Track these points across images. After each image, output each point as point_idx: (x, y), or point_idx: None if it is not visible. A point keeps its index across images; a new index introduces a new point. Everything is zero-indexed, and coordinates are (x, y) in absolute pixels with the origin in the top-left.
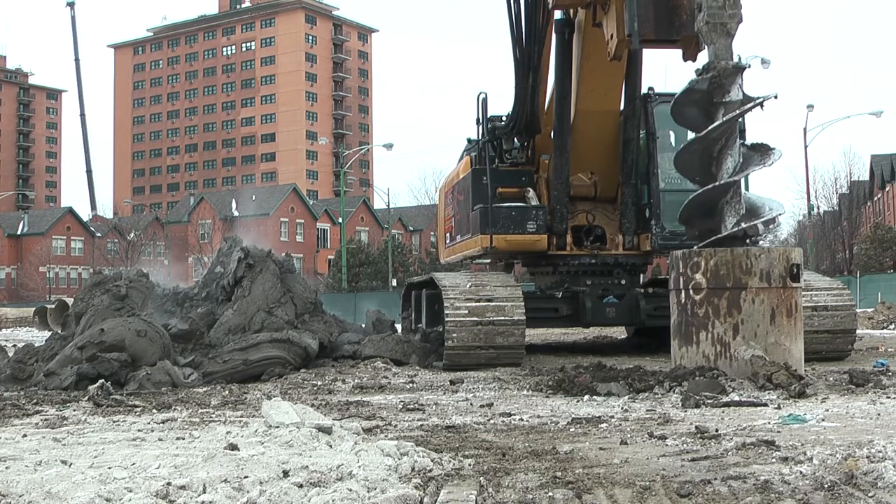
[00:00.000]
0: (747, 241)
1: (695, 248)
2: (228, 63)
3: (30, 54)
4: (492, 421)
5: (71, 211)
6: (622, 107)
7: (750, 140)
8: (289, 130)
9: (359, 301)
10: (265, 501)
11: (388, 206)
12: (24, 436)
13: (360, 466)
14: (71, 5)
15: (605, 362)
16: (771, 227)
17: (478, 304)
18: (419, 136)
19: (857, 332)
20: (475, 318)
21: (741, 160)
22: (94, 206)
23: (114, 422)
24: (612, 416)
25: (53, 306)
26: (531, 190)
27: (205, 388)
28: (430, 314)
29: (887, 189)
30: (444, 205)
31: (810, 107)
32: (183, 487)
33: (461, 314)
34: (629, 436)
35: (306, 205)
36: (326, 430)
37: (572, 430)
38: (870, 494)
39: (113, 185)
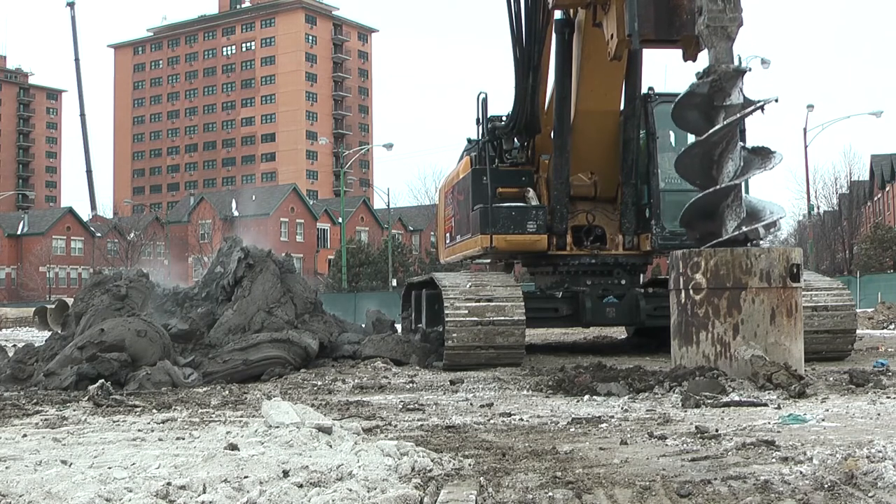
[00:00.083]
0: (748, 244)
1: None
2: (228, 63)
3: (30, 54)
4: (492, 421)
5: (71, 211)
6: (622, 107)
7: (750, 141)
8: (289, 130)
9: (359, 301)
10: (265, 501)
11: (388, 206)
12: (24, 436)
13: (360, 466)
14: (71, 5)
15: (605, 362)
16: (772, 230)
17: (478, 304)
18: (419, 136)
19: (857, 332)
20: (475, 318)
21: (742, 164)
22: (94, 206)
23: (114, 422)
24: (612, 416)
25: (53, 306)
26: (531, 190)
27: (205, 388)
28: (430, 314)
29: (887, 189)
30: (444, 205)
31: (810, 107)
32: (183, 487)
33: (461, 314)
34: (629, 436)
35: (306, 205)
36: (326, 430)
37: (572, 430)
38: (870, 494)
39: (113, 185)
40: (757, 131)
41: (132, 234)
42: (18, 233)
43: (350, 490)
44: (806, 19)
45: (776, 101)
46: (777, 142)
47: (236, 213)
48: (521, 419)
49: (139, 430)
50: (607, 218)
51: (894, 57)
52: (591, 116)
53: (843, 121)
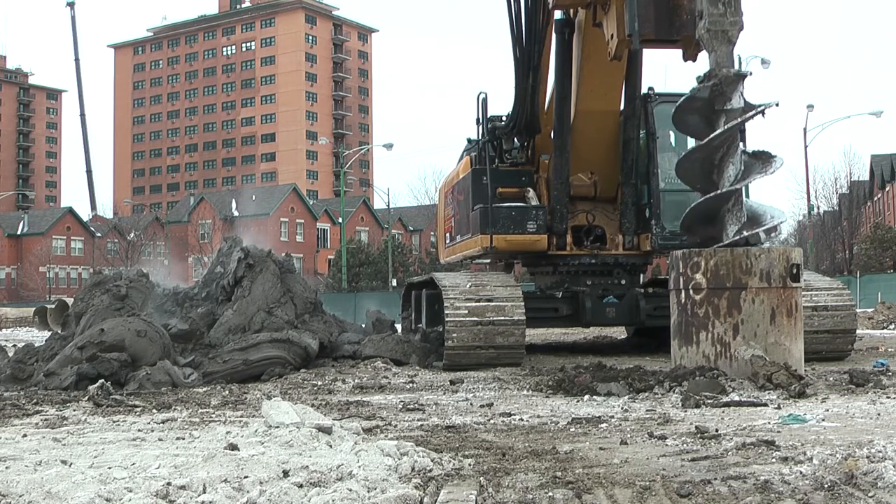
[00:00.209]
0: None
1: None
2: (228, 63)
3: (30, 54)
4: (492, 421)
5: (71, 211)
6: (622, 107)
7: (751, 142)
8: (289, 130)
9: (359, 301)
10: (265, 501)
11: (388, 206)
12: (24, 436)
13: (360, 466)
14: (71, 5)
15: (605, 362)
16: (772, 235)
17: (478, 304)
18: (419, 136)
19: (857, 332)
20: (475, 318)
21: (742, 168)
22: (94, 206)
23: (114, 422)
24: (612, 416)
25: (53, 306)
26: (531, 190)
27: (205, 388)
28: (430, 314)
29: (887, 189)
30: (443, 205)
31: (810, 107)
32: (183, 487)
33: (461, 314)
34: (629, 436)
35: (306, 205)
36: (326, 430)
37: (572, 430)
38: (870, 494)
39: (113, 185)
40: (757, 132)
41: (132, 234)
42: (18, 233)
43: (350, 490)
44: (806, 20)
45: (776, 105)
46: (777, 142)
47: (236, 213)
48: (521, 419)
49: (139, 430)
50: (607, 218)
51: (894, 58)
52: (591, 116)
53: (843, 121)
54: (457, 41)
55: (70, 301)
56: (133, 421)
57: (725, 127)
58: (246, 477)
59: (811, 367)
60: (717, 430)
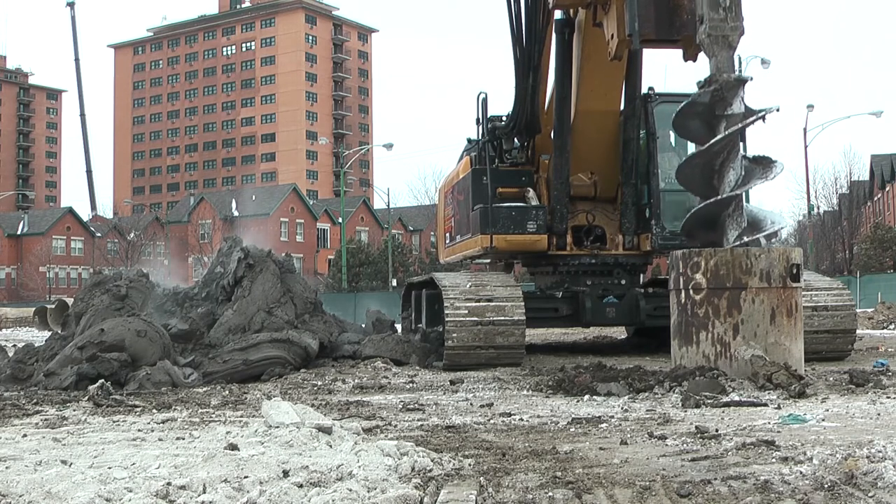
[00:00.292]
0: None
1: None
2: (228, 63)
3: (30, 54)
4: (492, 421)
5: (71, 211)
6: (622, 107)
7: (751, 142)
8: (289, 130)
9: (359, 301)
10: (265, 501)
11: (388, 206)
12: (24, 436)
13: (360, 466)
14: (71, 5)
15: (605, 362)
16: (773, 240)
17: (478, 304)
18: (419, 136)
19: (857, 332)
20: (475, 318)
21: (743, 173)
22: (94, 206)
23: (114, 422)
24: (612, 416)
25: (53, 306)
26: (531, 190)
27: (205, 388)
28: (430, 314)
29: (887, 189)
30: (443, 205)
31: (810, 107)
32: (183, 487)
33: (461, 314)
34: (629, 436)
35: (306, 205)
36: (326, 430)
37: (572, 430)
38: (870, 494)
39: (113, 185)
40: (757, 132)
41: (132, 234)
42: (18, 233)
43: (350, 490)
44: (806, 20)
45: (777, 110)
46: (777, 142)
47: (236, 213)
48: (521, 419)
49: (139, 430)
50: (607, 218)
51: (894, 58)
52: (591, 116)
53: (843, 121)
54: (457, 41)
55: (70, 301)
56: (133, 421)
57: (726, 132)
58: (246, 477)
59: (811, 367)
60: (717, 430)
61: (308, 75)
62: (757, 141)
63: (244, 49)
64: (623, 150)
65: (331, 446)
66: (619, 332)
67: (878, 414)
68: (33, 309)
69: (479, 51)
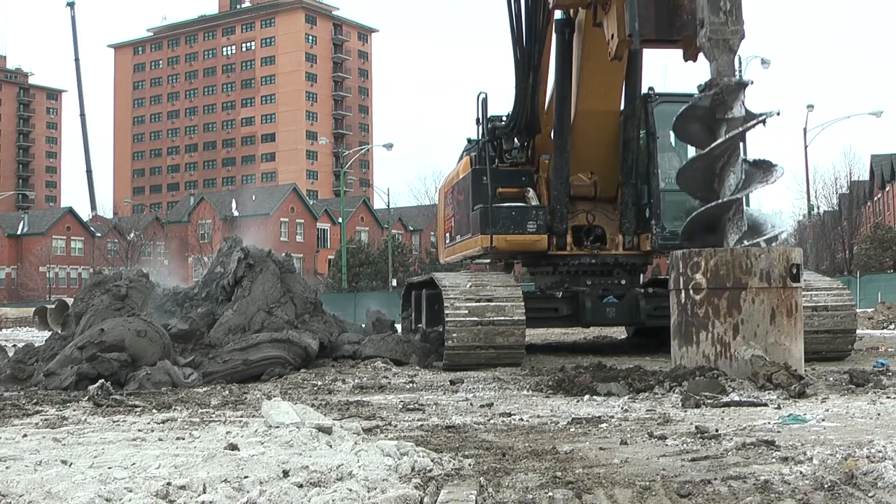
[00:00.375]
0: None
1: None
2: (228, 63)
3: (30, 54)
4: (492, 421)
5: (71, 211)
6: (622, 107)
7: (751, 142)
8: (289, 130)
9: (359, 301)
10: (265, 501)
11: (388, 206)
12: (24, 436)
13: (360, 466)
14: (71, 5)
15: (605, 362)
16: (773, 244)
17: (478, 304)
18: (419, 136)
19: (857, 332)
20: (475, 318)
21: (743, 177)
22: (94, 206)
23: (114, 422)
24: (612, 416)
25: (53, 306)
26: (531, 190)
27: (205, 388)
28: (430, 314)
29: (887, 189)
30: (443, 205)
31: (810, 107)
32: (183, 487)
33: (461, 314)
34: (629, 436)
35: (306, 205)
36: (326, 430)
37: (572, 430)
38: (870, 494)
39: (113, 185)
40: (757, 133)
41: (132, 234)
42: (18, 233)
43: (350, 490)
44: (806, 19)
45: (777, 114)
46: (777, 142)
47: (236, 213)
48: (521, 419)
49: (139, 430)
50: (607, 218)
51: (894, 56)
52: (591, 116)
53: (843, 121)
54: (457, 41)
55: (70, 301)
56: (133, 421)
57: (726, 136)
58: (246, 477)
59: (811, 367)
60: (717, 430)
61: (308, 75)
62: (757, 141)
63: (244, 49)
64: (623, 150)
65: (331, 446)
66: (619, 332)
67: (878, 414)
68: (33, 309)
69: (479, 51)
